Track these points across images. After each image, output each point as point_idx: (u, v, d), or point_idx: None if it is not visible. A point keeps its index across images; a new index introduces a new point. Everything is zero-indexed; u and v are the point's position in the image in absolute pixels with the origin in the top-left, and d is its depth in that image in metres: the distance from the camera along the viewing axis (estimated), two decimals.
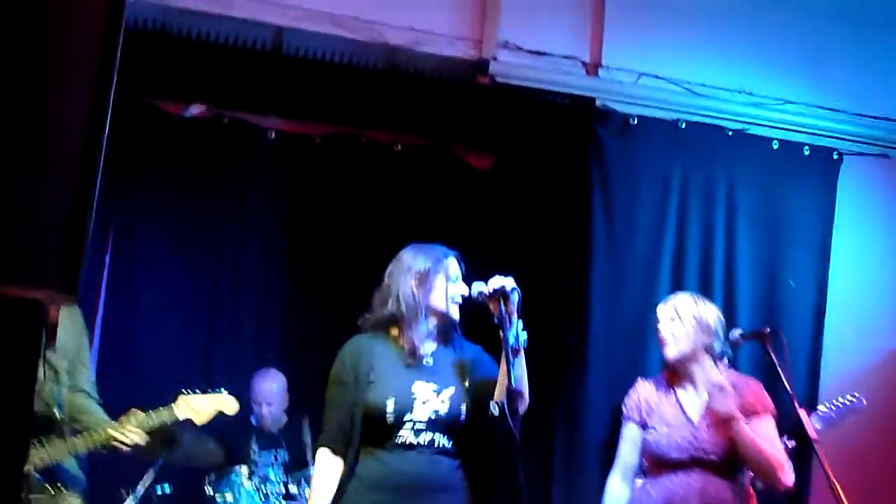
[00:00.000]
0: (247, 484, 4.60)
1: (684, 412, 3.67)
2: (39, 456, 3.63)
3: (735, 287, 5.09)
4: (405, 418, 3.15)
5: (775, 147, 5.23)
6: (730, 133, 5.20)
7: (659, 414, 3.69)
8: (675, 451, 3.60)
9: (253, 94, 5.22)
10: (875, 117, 5.35)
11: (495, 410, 3.15)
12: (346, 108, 5.26)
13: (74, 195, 1.53)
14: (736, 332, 3.84)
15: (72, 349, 3.83)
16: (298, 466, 4.83)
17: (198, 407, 3.87)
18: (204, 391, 3.96)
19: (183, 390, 3.91)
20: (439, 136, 5.37)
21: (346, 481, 3.17)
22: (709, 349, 3.67)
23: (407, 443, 3.15)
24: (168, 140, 5.14)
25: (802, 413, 3.37)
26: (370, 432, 3.16)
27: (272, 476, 4.72)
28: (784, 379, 3.50)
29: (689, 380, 3.70)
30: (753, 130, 5.25)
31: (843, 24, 5.31)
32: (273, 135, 5.35)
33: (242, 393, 4.77)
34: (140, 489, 4.37)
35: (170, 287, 5.16)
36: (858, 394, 4.33)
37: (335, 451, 3.21)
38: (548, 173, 5.15)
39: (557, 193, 5.12)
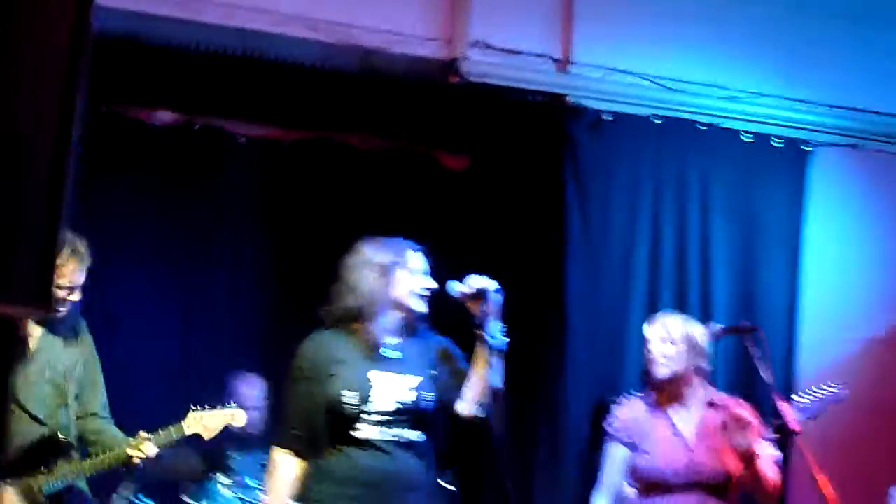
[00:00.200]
0: (225, 491, 4.56)
1: (679, 434, 3.64)
2: (48, 480, 3.64)
3: (710, 280, 5.11)
4: (365, 409, 3.10)
5: (747, 140, 5.26)
6: (702, 127, 5.22)
7: (652, 436, 3.65)
8: (671, 475, 3.57)
9: (223, 99, 5.18)
10: (845, 108, 5.38)
11: (480, 412, 3.13)
12: (318, 111, 5.22)
13: (47, 208, 1.50)
14: (716, 327, 3.84)
15: (79, 373, 3.83)
16: None
17: (208, 422, 3.87)
18: (213, 406, 3.95)
19: (193, 406, 3.90)
20: (413, 137, 5.34)
21: (310, 477, 3.13)
22: (698, 370, 3.66)
23: (372, 439, 3.10)
24: (138, 147, 5.09)
25: (784, 406, 3.37)
26: (333, 427, 3.12)
27: (250, 482, 4.68)
28: (764, 373, 3.50)
29: (679, 400, 3.67)
30: (725, 124, 5.27)
31: (812, 17, 5.35)
32: (244, 140, 5.31)
33: (220, 399, 4.73)
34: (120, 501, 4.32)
35: (142, 295, 5.11)
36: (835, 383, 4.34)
37: (291, 452, 3.19)
38: (522, 172, 5.15)
39: (532, 192, 5.12)
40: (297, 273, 5.22)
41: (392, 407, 3.12)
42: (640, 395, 3.80)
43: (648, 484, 3.63)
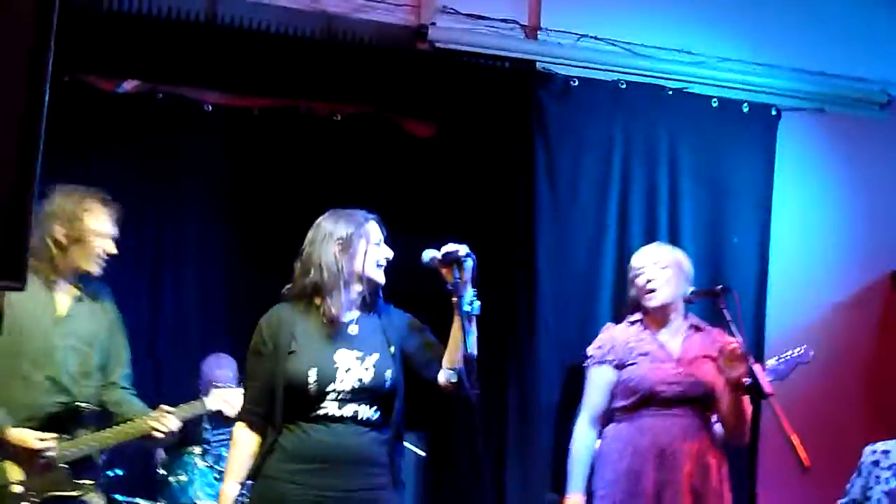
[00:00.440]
0: (200, 463, 4.55)
1: (667, 351, 3.72)
2: (67, 448, 3.63)
3: (680, 245, 5.10)
4: (328, 388, 3.09)
5: (715, 105, 5.27)
6: (670, 92, 5.23)
7: (639, 351, 3.74)
8: (661, 385, 3.64)
9: (188, 67, 5.09)
10: (811, 72, 5.41)
11: (453, 378, 3.12)
12: (284, 78, 5.16)
13: (15, 182, 1.48)
14: (688, 290, 3.89)
15: (104, 342, 3.84)
16: None
17: (229, 398, 3.87)
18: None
19: (215, 384, 3.99)
20: (380, 105, 5.29)
21: (267, 453, 3.12)
22: (684, 296, 3.77)
23: (330, 414, 3.09)
24: (103, 117, 5.01)
25: (757, 368, 3.41)
26: (292, 404, 3.11)
27: (225, 454, 4.67)
28: (737, 335, 3.54)
29: (665, 325, 3.78)
30: (693, 89, 5.28)
31: None
32: (210, 108, 5.24)
33: (191, 375, 4.72)
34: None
35: (109, 266, 5.06)
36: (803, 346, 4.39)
37: (251, 426, 3.18)
38: (490, 138, 5.13)
39: (501, 158, 5.10)
40: (265, 242, 5.18)
41: (353, 385, 3.12)
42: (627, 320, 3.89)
43: (636, 400, 3.69)
